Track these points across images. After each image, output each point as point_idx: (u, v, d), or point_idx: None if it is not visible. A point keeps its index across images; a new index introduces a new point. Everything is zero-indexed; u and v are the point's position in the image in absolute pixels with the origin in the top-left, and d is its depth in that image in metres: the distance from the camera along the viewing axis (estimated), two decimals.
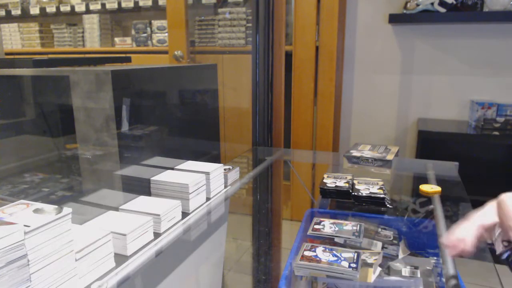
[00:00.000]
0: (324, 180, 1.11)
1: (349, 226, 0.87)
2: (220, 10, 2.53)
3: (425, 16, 2.02)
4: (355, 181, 1.11)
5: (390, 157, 1.31)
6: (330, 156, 1.98)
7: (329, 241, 0.84)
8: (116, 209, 0.80)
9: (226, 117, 2.49)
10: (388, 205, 1.01)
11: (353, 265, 0.69)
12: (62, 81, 0.93)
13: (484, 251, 0.70)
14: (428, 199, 1.10)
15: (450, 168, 1.32)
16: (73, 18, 3.29)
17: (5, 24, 3.44)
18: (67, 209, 0.55)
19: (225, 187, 1.06)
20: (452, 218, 1.08)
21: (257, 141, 1.70)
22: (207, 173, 0.96)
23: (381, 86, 2.31)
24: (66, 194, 1.06)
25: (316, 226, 0.88)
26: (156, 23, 2.92)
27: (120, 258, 0.68)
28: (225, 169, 1.08)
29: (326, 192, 1.07)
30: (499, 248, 0.55)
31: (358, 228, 0.86)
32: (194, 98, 1.24)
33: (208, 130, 1.35)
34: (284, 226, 1.49)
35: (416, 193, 1.15)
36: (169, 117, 1.11)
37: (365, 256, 0.74)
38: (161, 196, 0.90)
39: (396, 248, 0.80)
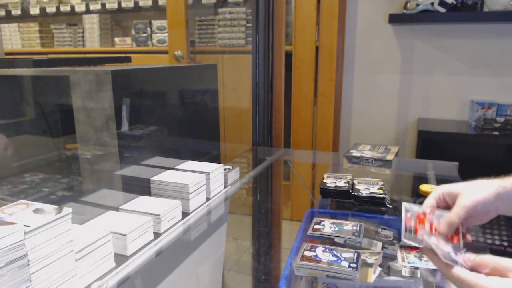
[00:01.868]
0: (324, 180, 1.11)
1: (349, 226, 0.87)
2: (220, 10, 2.53)
3: (425, 16, 2.01)
4: (355, 181, 1.11)
5: (390, 157, 1.31)
6: (330, 156, 1.98)
7: (329, 241, 0.84)
8: (116, 209, 0.80)
9: (226, 117, 2.49)
10: (388, 205, 1.01)
11: (353, 265, 0.69)
12: (62, 81, 0.93)
13: (484, 251, 0.70)
14: None
15: (450, 168, 1.32)
16: (73, 18, 3.29)
17: (5, 24, 3.44)
18: (67, 209, 0.55)
19: (225, 187, 1.06)
20: None
21: (257, 141, 1.70)
22: (207, 173, 0.96)
23: (381, 86, 2.31)
24: (66, 194, 1.06)
25: (316, 226, 0.88)
26: (156, 23, 2.92)
27: (120, 258, 0.68)
28: (225, 169, 1.08)
29: (326, 192, 1.07)
30: None
31: (358, 228, 0.86)
32: (194, 98, 1.24)
33: (208, 130, 1.35)
34: (284, 226, 1.49)
35: (416, 193, 1.15)
36: (169, 117, 1.11)
37: (365, 256, 0.74)
38: (161, 196, 0.90)
39: (396, 248, 0.80)
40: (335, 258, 0.72)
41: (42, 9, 3.26)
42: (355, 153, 1.36)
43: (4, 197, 1.03)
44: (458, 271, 0.51)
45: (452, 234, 0.63)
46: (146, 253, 0.72)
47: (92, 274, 0.62)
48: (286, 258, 0.79)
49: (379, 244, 0.83)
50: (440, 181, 1.21)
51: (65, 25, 3.27)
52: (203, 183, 0.94)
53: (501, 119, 1.93)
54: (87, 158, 0.93)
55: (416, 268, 0.72)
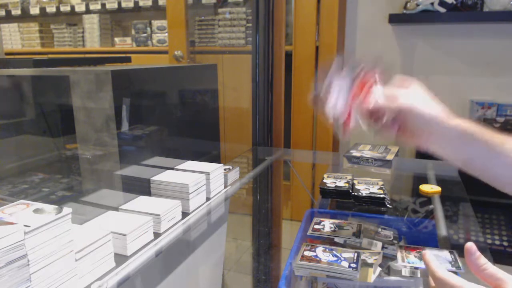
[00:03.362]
0: (324, 180, 1.11)
1: (349, 226, 0.87)
2: (220, 10, 2.53)
3: (425, 16, 2.01)
4: (355, 181, 1.11)
5: (390, 157, 1.31)
6: (330, 156, 1.98)
7: (329, 241, 0.84)
8: (116, 209, 0.80)
9: (226, 117, 2.49)
10: (388, 205, 1.01)
11: (353, 265, 0.69)
12: (62, 81, 0.93)
13: (484, 251, 0.70)
14: (428, 199, 1.10)
15: (450, 168, 1.32)
16: (73, 18, 3.29)
17: (5, 24, 3.44)
18: (67, 209, 0.55)
19: (225, 187, 1.06)
20: (452, 218, 1.08)
21: (257, 141, 1.70)
22: (207, 173, 0.96)
23: None
24: (66, 194, 1.06)
25: (316, 226, 0.88)
26: (156, 23, 2.92)
27: (120, 258, 0.68)
28: (225, 169, 1.08)
29: (326, 192, 1.07)
30: None
31: (358, 228, 0.86)
32: (194, 98, 1.24)
33: (208, 130, 1.35)
34: (284, 226, 1.49)
35: (416, 193, 1.15)
36: (169, 117, 1.11)
37: (365, 256, 0.74)
38: (161, 196, 0.90)
39: (396, 248, 0.80)
40: (335, 258, 0.72)
41: (42, 9, 3.26)
42: (355, 153, 1.36)
43: (4, 197, 1.03)
44: (445, 274, 0.49)
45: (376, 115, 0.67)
46: (146, 253, 0.72)
47: (92, 274, 0.62)
48: (286, 258, 0.79)
49: (379, 244, 0.83)
50: (440, 181, 1.21)
51: (65, 25, 3.27)
52: (203, 183, 0.94)
53: (501, 119, 1.93)
54: (87, 158, 0.93)
55: (416, 268, 0.72)
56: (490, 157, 0.63)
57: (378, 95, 0.67)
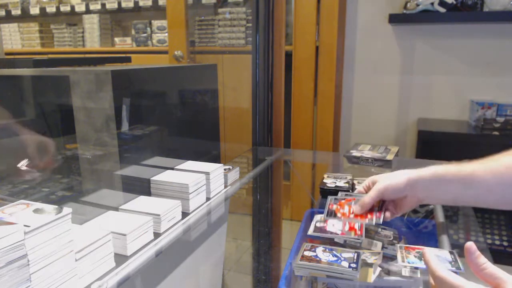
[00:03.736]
0: (324, 180, 1.11)
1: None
2: (220, 10, 2.53)
3: (425, 16, 2.01)
4: (355, 181, 1.11)
5: (390, 157, 1.31)
6: (330, 156, 1.98)
7: (329, 241, 0.84)
8: (116, 209, 0.80)
9: (226, 117, 2.49)
10: None
11: (353, 265, 0.69)
12: (62, 81, 0.93)
13: (484, 251, 0.70)
14: None
15: None
16: (73, 18, 3.29)
17: (5, 24, 3.44)
18: (67, 209, 0.55)
19: (225, 187, 1.06)
20: (452, 218, 1.08)
21: (257, 141, 1.70)
22: (207, 173, 0.96)
23: (381, 86, 2.31)
24: (66, 194, 1.06)
25: None
26: (156, 23, 2.92)
27: (120, 258, 0.68)
28: (225, 169, 1.08)
29: (326, 192, 1.07)
30: None
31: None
32: (194, 98, 1.24)
33: (208, 130, 1.35)
34: (284, 226, 1.49)
35: None
36: (169, 117, 1.11)
37: (365, 256, 0.74)
38: (161, 196, 0.90)
39: (396, 248, 0.80)
40: (335, 258, 0.72)
41: (42, 9, 3.26)
42: (355, 153, 1.36)
43: (4, 197, 1.03)
44: (444, 273, 0.50)
45: (367, 212, 0.79)
46: (146, 253, 0.72)
47: (92, 274, 0.62)
48: (286, 258, 0.79)
49: (379, 244, 0.83)
50: None
51: (65, 25, 3.27)
52: (203, 183, 0.94)
53: (501, 119, 1.93)
54: (87, 158, 0.93)
55: (416, 268, 0.72)
56: (467, 192, 0.72)
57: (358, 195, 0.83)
